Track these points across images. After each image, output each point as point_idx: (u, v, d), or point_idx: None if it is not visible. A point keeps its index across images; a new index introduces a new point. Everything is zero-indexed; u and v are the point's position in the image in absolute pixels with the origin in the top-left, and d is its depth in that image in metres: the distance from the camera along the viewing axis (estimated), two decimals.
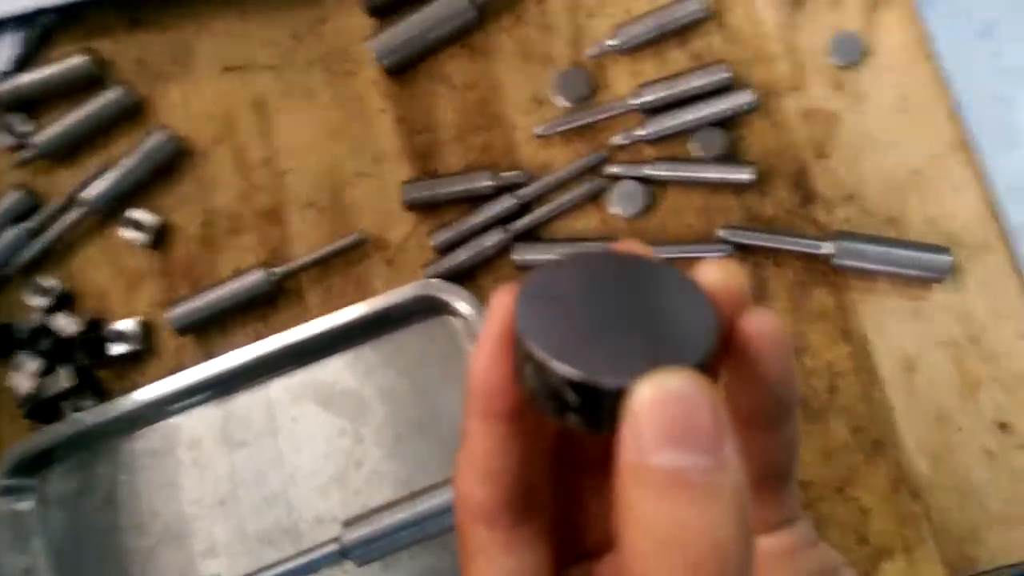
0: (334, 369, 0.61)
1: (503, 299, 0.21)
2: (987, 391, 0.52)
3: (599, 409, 0.18)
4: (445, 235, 0.59)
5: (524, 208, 0.60)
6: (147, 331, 0.63)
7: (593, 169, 0.60)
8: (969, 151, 0.55)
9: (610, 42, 0.59)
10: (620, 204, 0.58)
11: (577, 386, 0.18)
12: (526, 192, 0.59)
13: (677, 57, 0.60)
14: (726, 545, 0.15)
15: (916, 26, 0.56)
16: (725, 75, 0.57)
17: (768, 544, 0.24)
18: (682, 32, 0.60)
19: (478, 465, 0.21)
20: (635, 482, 0.16)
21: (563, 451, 0.24)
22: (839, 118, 0.57)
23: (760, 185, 0.57)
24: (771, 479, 0.23)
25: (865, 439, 0.53)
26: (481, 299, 0.59)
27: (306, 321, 0.61)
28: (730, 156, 0.58)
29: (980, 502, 0.52)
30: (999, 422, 0.52)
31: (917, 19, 0.56)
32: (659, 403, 0.16)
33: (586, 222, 0.59)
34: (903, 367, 0.54)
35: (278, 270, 0.61)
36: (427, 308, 0.59)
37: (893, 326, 0.54)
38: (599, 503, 0.24)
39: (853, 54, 0.56)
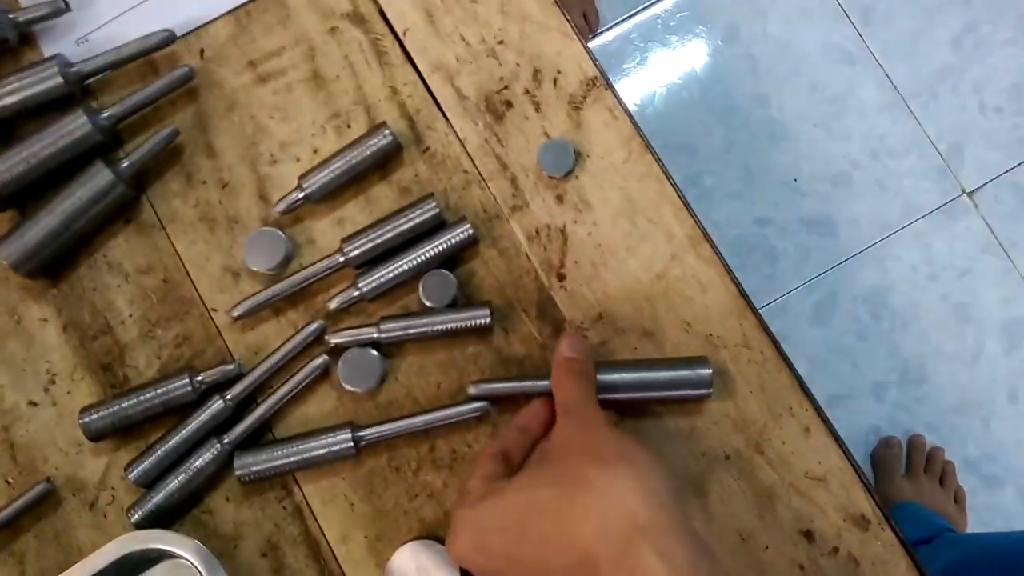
0: None
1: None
2: (783, 500, 0.49)
3: None
4: (144, 467, 0.48)
5: (242, 407, 0.50)
6: None
7: (316, 340, 0.51)
8: (707, 243, 0.51)
9: (298, 194, 0.50)
10: (353, 379, 0.50)
11: None
12: (238, 390, 0.49)
13: (382, 193, 0.52)
14: (585, 373, 0.46)
15: (624, 119, 0.52)
16: (434, 211, 0.49)
17: None
18: (382, 164, 0.52)
19: (500, 440, 0.45)
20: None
21: None
22: (568, 233, 0.51)
23: (503, 322, 0.51)
24: None
25: None
26: (210, 534, 0.48)
27: None
28: (462, 299, 0.51)
29: None
30: (803, 531, 0.48)
31: (623, 111, 0.52)
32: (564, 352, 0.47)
33: (320, 405, 0.51)
34: (693, 492, 0.49)
35: None
36: (148, 557, 0.48)
37: (678, 447, 0.49)
38: None
39: (567, 162, 0.51)
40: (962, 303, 1.38)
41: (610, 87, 0.53)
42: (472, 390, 0.48)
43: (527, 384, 0.48)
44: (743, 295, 0.50)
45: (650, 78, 1.43)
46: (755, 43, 1.44)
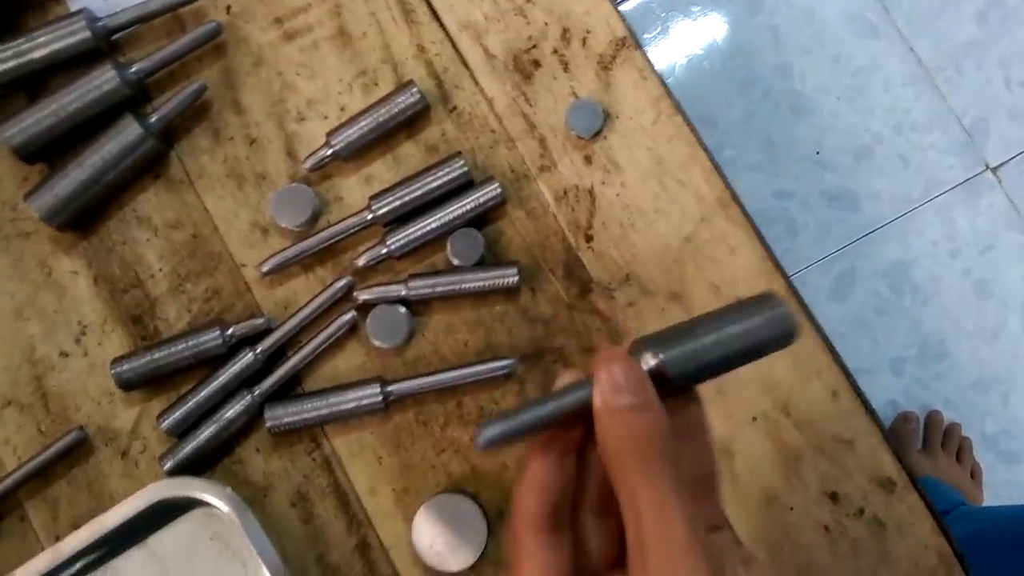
0: None
1: None
2: (809, 462, 0.49)
3: None
4: (176, 417, 0.49)
5: (271, 360, 0.50)
6: None
7: (345, 296, 0.51)
8: (736, 206, 0.51)
9: (326, 151, 0.50)
10: (380, 335, 0.50)
11: None
12: (268, 343, 0.50)
13: (410, 151, 0.52)
14: (655, 444, 0.27)
15: (653, 80, 0.51)
16: (463, 169, 0.49)
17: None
18: (410, 123, 0.52)
19: (533, 484, 0.29)
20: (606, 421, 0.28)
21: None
22: (596, 194, 0.51)
23: (530, 282, 0.51)
24: (700, 481, 0.30)
25: None
26: (240, 483, 0.49)
27: (36, 550, 0.50)
28: (490, 258, 0.51)
29: None
30: (828, 492, 0.49)
31: (652, 72, 0.51)
32: (603, 379, 0.28)
33: (348, 360, 0.51)
34: (720, 453, 0.49)
35: None
36: (179, 505, 0.48)
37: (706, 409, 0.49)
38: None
39: (595, 122, 0.51)
40: (984, 279, 1.37)
41: (639, 47, 0.52)
42: (480, 439, 0.29)
43: (549, 410, 0.29)
44: (772, 258, 0.50)
45: (671, 48, 1.42)
46: (778, 13, 1.42)
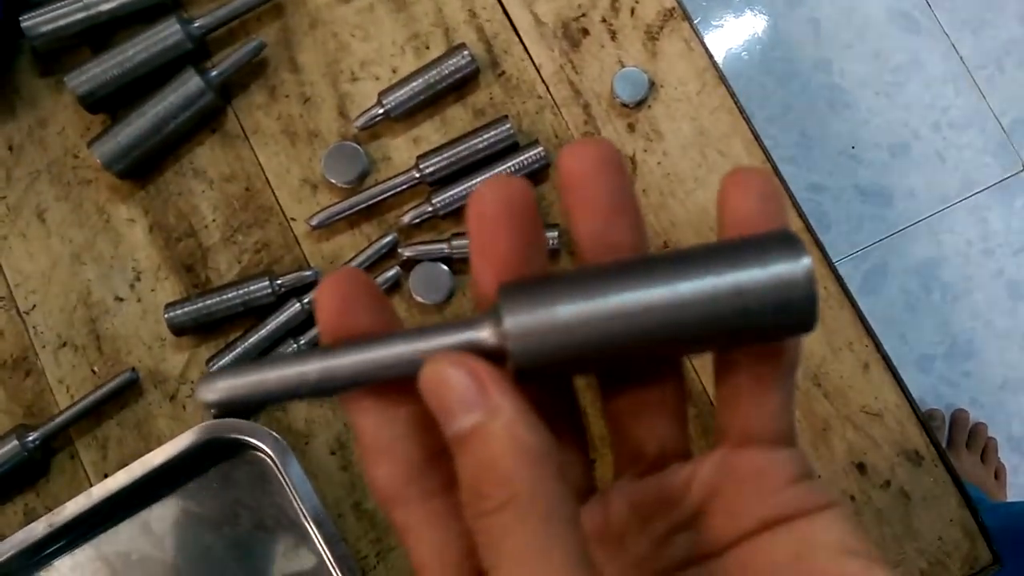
0: (127, 537, 0.51)
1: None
2: (837, 432, 0.50)
3: None
4: (224, 363, 0.50)
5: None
6: None
7: (389, 252, 0.52)
8: (776, 179, 0.52)
9: (378, 110, 0.52)
10: (422, 291, 0.51)
11: None
12: (314, 295, 0.51)
13: (457, 114, 0.53)
14: (509, 468, 0.18)
15: (700, 51, 0.52)
16: (509, 132, 0.51)
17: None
18: (459, 86, 0.53)
19: (370, 449, 0.22)
20: (453, 452, 0.20)
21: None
22: (638, 161, 0.52)
23: (571, 247, 0.52)
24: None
25: None
26: (283, 430, 0.51)
27: (84, 486, 0.52)
28: None
29: None
30: (856, 463, 0.49)
31: (699, 43, 0.52)
32: (427, 394, 0.20)
33: None
34: None
35: (35, 434, 0.50)
36: (224, 449, 0.50)
37: None
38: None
39: (640, 90, 0.52)
40: (1016, 280, 1.36)
41: (687, 18, 0.53)
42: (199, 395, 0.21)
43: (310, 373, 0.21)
44: (809, 229, 0.51)
45: (710, 39, 1.42)
46: (819, 7, 1.42)
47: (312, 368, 0.20)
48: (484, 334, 0.19)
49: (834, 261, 0.49)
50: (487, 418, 0.19)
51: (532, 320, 0.19)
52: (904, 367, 1.34)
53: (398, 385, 0.21)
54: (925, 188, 1.38)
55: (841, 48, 1.41)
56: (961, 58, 1.41)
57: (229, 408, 0.20)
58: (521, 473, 0.18)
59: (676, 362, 0.24)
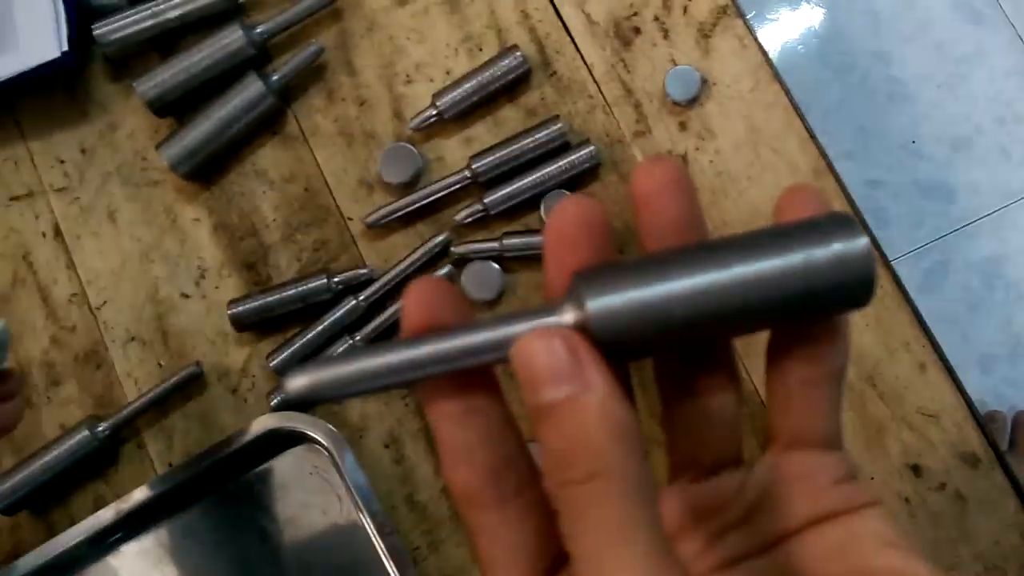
0: (190, 525, 0.53)
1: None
2: (893, 434, 0.49)
3: None
4: (284, 357, 0.52)
5: (373, 308, 0.53)
6: None
7: (442, 251, 0.54)
8: (831, 175, 0.51)
9: (431, 112, 0.53)
10: (474, 289, 0.52)
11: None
12: (370, 292, 0.53)
13: (509, 115, 0.54)
14: (601, 441, 0.19)
15: (753, 48, 0.52)
16: (561, 131, 0.51)
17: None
18: (511, 87, 0.54)
19: (450, 453, 0.22)
20: (536, 421, 0.20)
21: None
22: (690, 160, 0.52)
23: (621, 246, 0.52)
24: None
25: None
26: (339, 424, 0.52)
27: (151, 475, 0.54)
28: None
29: None
30: (911, 465, 0.49)
31: (753, 40, 0.52)
32: (520, 365, 0.20)
33: None
34: None
35: (105, 424, 0.53)
36: (283, 441, 0.52)
37: None
38: None
39: (692, 89, 0.52)
40: None
41: (741, 15, 0.53)
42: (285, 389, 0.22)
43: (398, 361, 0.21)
44: (865, 226, 0.50)
45: (767, 32, 1.40)
46: None
47: (397, 358, 0.20)
48: (566, 317, 0.21)
49: (894, 258, 0.49)
50: (581, 391, 0.19)
51: (614, 300, 0.20)
52: (966, 367, 1.30)
53: (479, 379, 0.22)
54: (988, 184, 1.34)
55: (901, 40, 1.38)
56: None
57: (315, 399, 0.21)
58: (612, 448, 0.19)
59: (735, 374, 0.25)
